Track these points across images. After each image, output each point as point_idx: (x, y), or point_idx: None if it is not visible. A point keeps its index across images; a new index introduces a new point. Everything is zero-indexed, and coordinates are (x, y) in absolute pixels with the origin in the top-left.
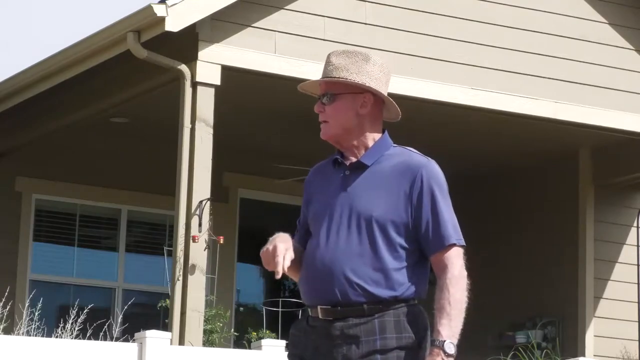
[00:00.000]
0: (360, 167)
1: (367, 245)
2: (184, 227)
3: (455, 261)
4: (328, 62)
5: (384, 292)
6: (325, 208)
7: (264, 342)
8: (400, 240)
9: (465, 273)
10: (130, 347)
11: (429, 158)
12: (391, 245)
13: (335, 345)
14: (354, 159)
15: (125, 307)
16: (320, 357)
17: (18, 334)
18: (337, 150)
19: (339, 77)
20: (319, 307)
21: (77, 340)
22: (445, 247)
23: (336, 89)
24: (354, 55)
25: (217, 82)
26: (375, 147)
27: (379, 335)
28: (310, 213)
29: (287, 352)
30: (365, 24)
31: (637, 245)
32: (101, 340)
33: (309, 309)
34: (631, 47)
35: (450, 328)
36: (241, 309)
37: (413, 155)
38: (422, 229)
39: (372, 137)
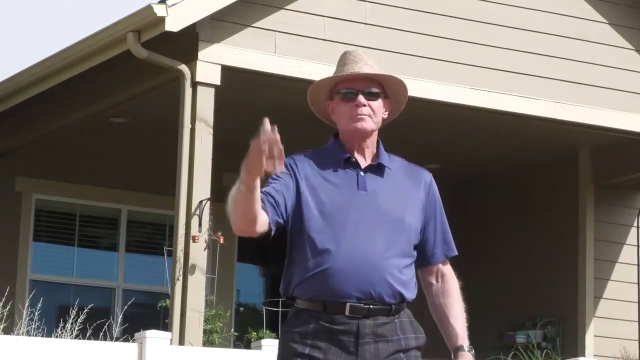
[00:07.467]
0: (379, 169)
1: (398, 248)
2: (184, 227)
3: (452, 271)
4: (360, 59)
5: (408, 295)
6: (348, 205)
7: (264, 342)
8: (414, 245)
9: None
10: (130, 347)
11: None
12: (411, 250)
13: (364, 343)
14: (365, 159)
15: (125, 307)
16: (344, 356)
17: (18, 334)
18: (339, 148)
19: (396, 77)
20: (348, 304)
21: (77, 340)
22: (451, 256)
23: (378, 87)
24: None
25: (217, 82)
26: (382, 150)
27: (401, 335)
28: (322, 203)
29: (293, 353)
30: (365, 24)
31: (637, 245)
32: (101, 340)
33: (324, 305)
34: (631, 47)
35: (466, 334)
36: (241, 309)
37: (410, 163)
38: (432, 238)
39: (376, 140)
